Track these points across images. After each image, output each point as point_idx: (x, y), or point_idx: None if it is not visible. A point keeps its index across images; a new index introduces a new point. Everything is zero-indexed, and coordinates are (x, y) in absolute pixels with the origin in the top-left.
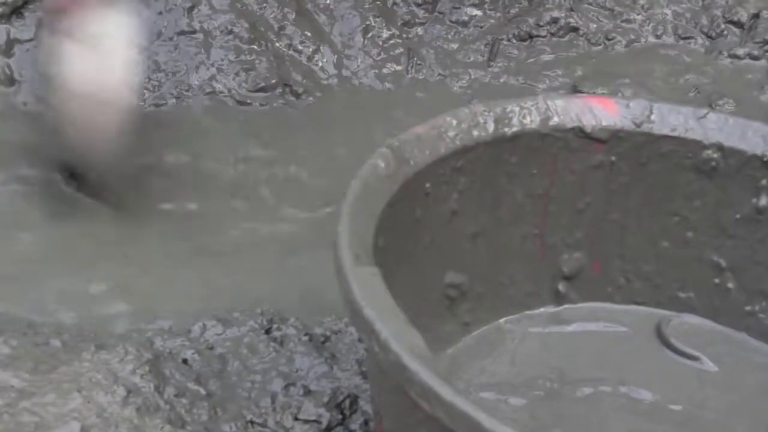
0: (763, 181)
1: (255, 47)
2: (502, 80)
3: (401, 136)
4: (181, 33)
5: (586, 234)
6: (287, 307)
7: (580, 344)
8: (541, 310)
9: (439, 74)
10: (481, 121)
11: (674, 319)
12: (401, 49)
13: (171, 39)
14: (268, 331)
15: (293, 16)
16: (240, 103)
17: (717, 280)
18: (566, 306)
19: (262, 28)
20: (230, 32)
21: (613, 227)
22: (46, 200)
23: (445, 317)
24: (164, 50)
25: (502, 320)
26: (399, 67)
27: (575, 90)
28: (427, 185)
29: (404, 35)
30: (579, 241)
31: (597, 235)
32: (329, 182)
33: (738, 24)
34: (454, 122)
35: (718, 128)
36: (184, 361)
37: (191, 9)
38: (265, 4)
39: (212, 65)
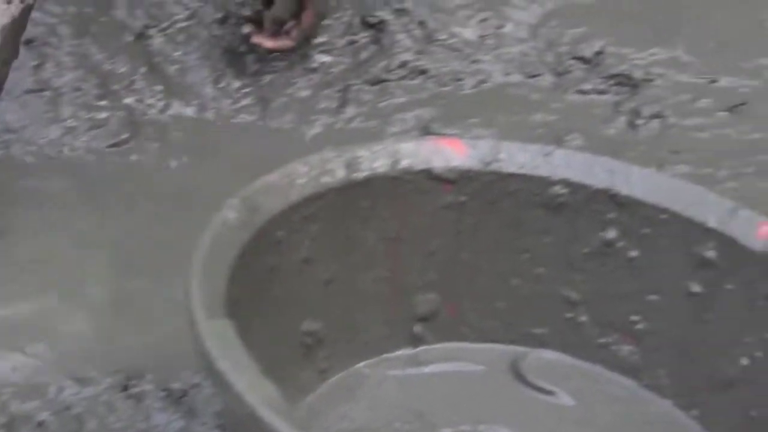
0: (610, 215)
1: (105, 103)
2: (355, 125)
3: (252, 186)
4: (29, 91)
5: (439, 275)
6: (144, 363)
7: (438, 385)
8: (399, 352)
9: (292, 122)
10: (332, 167)
11: (530, 354)
12: (253, 98)
13: (18, 97)
14: (125, 388)
15: (143, 70)
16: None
17: (569, 315)
18: (423, 347)
19: (112, 84)
20: (79, 89)
21: (465, 267)
22: None
23: (303, 365)
24: (11, 109)
25: (359, 365)
26: (252, 117)
27: (427, 132)
28: (279, 234)
29: (256, 84)
30: (432, 282)
31: (450, 276)
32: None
33: (583, 60)
34: (305, 169)
35: (564, 164)
36: (40, 424)
37: (38, 66)
38: (114, 60)
39: (62, 123)
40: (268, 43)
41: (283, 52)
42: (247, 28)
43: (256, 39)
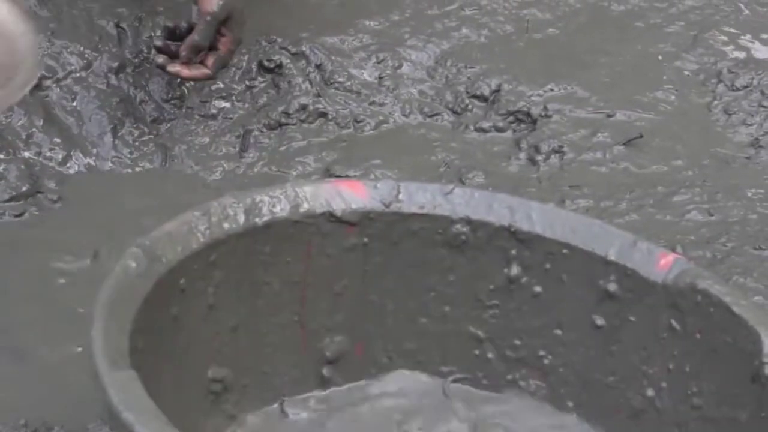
0: (513, 251)
1: (2, 156)
2: (256, 170)
3: (152, 234)
4: None
5: (346, 317)
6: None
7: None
8: (309, 394)
9: (192, 169)
10: (231, 213)
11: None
12: (153, 146)
13: None
14: None
15: (41, 123)
16: None
17: (477, 352)
18: (332, 389)
19: (9, 137)
20: None
21: (372, 308)
22: None
23: (211, 412)
24: None
25: (269, 408)
26: (152, 165)
27: (328, 174)
28: (182, 281)
29: (154, 132)
30: (340, 324)
31: (357, 317)
32: None
33: (481, 98)
34: (204, 216)
35: (464, 202)
36: None
37: None
38: (11, 113)
39: None
40: (185, 72)
41: (200, 81)
42: (159, 59)
43: (172, 69)
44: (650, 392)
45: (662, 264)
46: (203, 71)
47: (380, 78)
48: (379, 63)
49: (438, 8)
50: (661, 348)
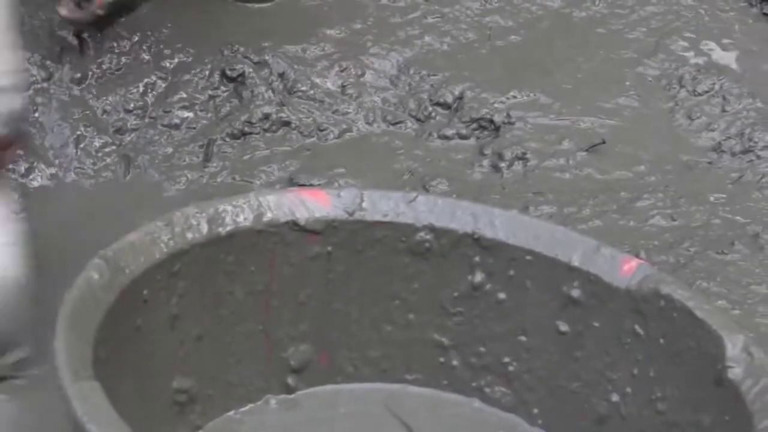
0: (476, 258)
1: None
2: (219, 180)
3: (115, 245)
4: None
5: (311, 325)
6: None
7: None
8: (274, 401)
9: (156, 179)
10: (195, 223)
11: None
12: (115, 157)
13: None
14: None
15: None
16: None
17: (442, 359)
18: (299, 393)
19: None
20: None
21: (337, 316)
22: None
23: (176, 423)
24: None
25: (234, 414)
26: (115, 175)
27: (292, 183)
28: (145, 292)
29: (117, 142)
30: (304, 333)
31: (321, 326)
32: None
33: (444, 105)
34: (167, 226)
35: (428, 210)
36: None
37: None
38: None
39: None
40: (63, 11)
41: (77, 24)
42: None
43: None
44: (615, 398)
45: (625, 269)
46: (78, 15)
47: (343, 86)
48: (341, 71)
49: (400, 16)
50: (625, 353)
